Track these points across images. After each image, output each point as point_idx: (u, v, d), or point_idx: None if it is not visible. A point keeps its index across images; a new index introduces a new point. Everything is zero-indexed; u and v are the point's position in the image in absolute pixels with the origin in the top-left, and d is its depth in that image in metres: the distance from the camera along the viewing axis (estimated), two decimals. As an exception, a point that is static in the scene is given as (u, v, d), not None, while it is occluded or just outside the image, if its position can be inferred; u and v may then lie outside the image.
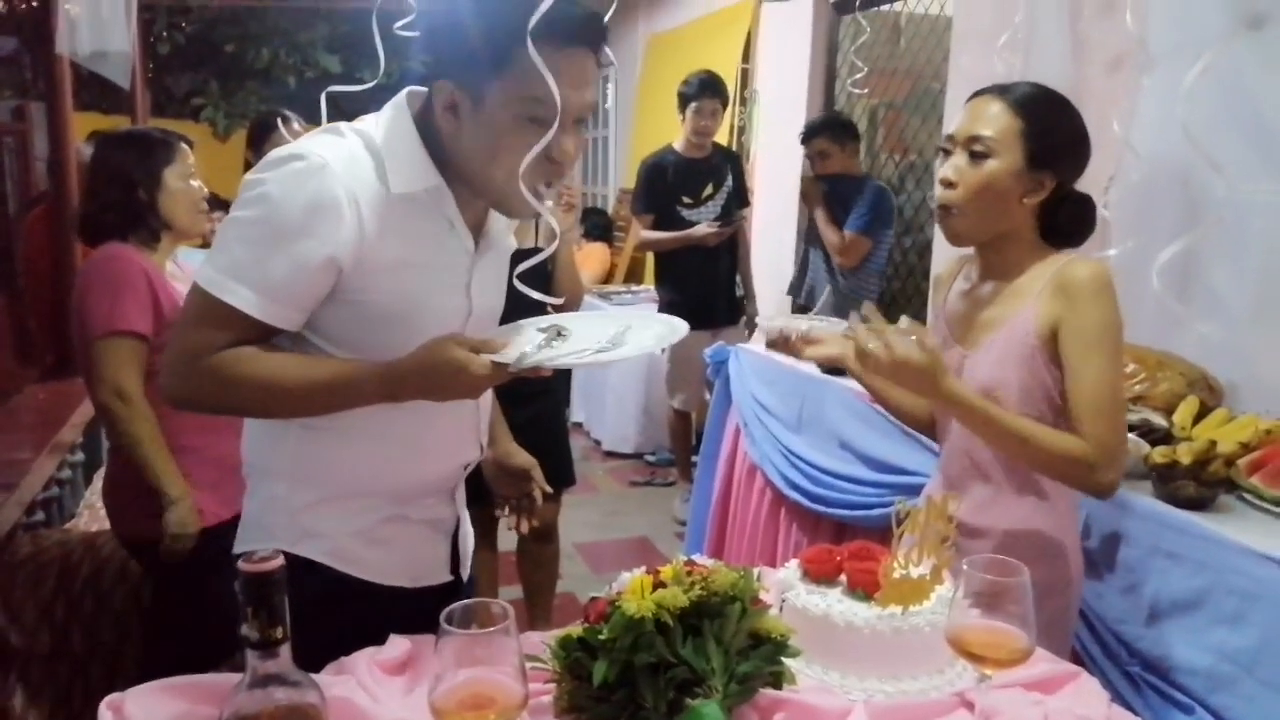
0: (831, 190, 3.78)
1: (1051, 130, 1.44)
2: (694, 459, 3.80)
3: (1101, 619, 1.73)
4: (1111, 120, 2.38)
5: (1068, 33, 2.68)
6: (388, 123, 1.22)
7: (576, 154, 1.22)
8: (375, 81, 1.27)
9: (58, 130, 3.14)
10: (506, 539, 2.89)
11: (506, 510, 1.51)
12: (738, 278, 4.24)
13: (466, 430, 1.36)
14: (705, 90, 3.94)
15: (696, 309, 3.94)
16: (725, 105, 4.09)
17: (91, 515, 2.75)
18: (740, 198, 4.18)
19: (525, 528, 1.51)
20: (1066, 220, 1.49)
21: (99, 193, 2.10)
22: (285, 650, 0.74)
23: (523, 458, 1.51)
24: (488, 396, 1.41)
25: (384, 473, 1.29)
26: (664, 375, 4.38)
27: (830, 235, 3.73)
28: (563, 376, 3.27)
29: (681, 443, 4.38)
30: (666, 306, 4.17)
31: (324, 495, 1.27)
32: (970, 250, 1.55)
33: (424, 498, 1.35)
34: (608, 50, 1.91)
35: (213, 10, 7.59)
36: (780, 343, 1.63)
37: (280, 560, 0.71)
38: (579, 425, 5.48)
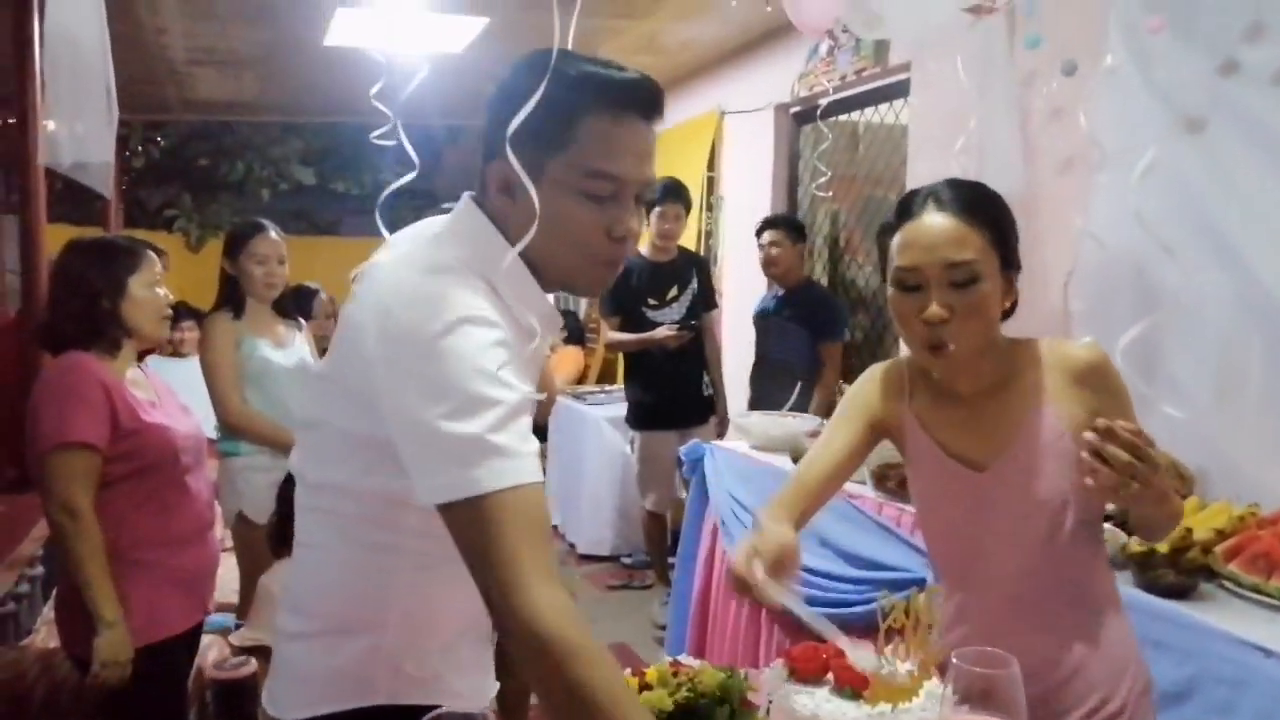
0: (790, 300, 3.98)
1: (1007, 228, 1.34)
2: (670, 560, 3.76)
3: (1091, 713, 1.70)
4: (1068, 217, 2.48)
5: (1019, 137, 2.80)
6: (484, 249, 1.10)
7: (638, 230, 1.13)
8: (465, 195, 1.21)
9: (31, 242, 3.15)
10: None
11: None
12: (706, 377, 4.27)
13: None
14: (668, 195, 4.05)
15: (664, 409, 4.12)
16: (688, 210, 4.19)
17: (49, 631, 2.65)
18: (706, 299, 4.25)
19: None
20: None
21: (62, 301, 2.07)
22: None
23: None
24: None
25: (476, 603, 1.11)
26: (635, 476, 4.35)
27: (828, 395, 3.77)
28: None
29: (657, 545, 4.33)
30: (635, 406, 4.23)
31: (431, 640, 1.16)
32: (899, 358, 1.47)
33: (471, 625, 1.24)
34: None
35: (186, 126, 7.74)
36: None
37: (253, 667, 0.68)
38: (554, 528, 5.41)
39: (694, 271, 4.22)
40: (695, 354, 4.17)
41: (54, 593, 2.46)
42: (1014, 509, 1.32)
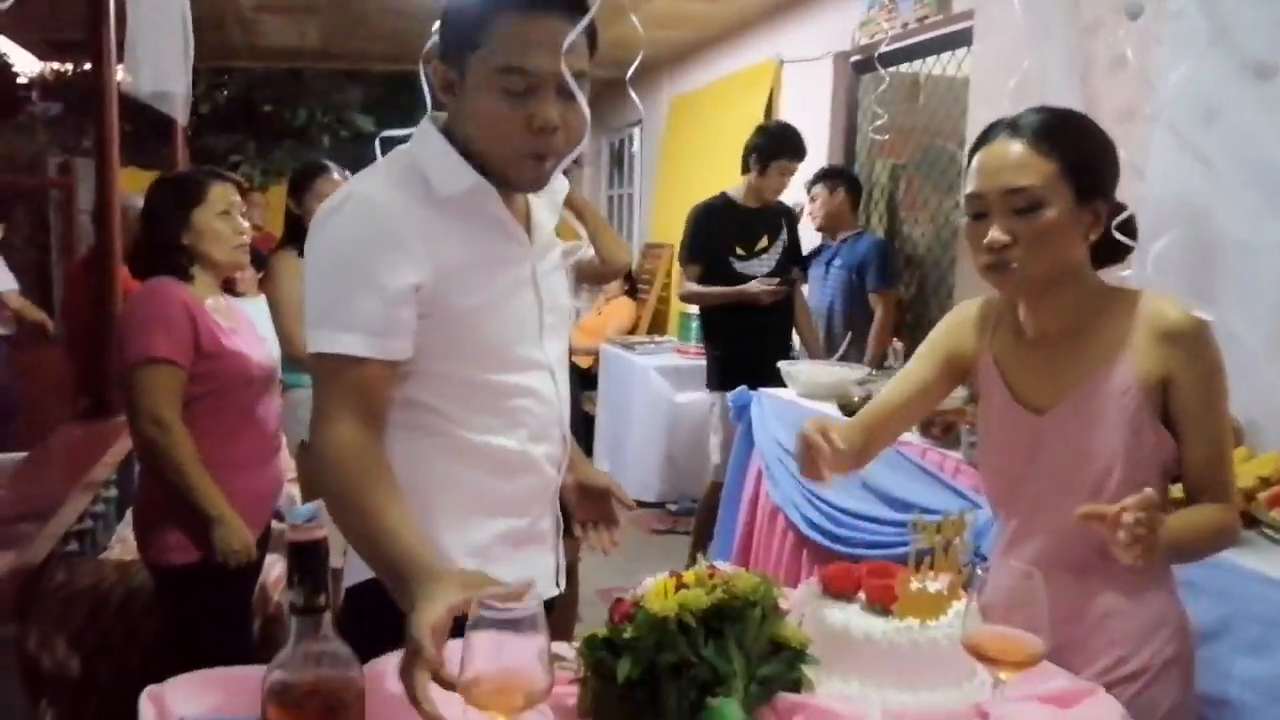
0: (839, 249, 3.93)
1: (1086, 157, 1.30)
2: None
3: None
4: (1129, 165, 2.43)
5: (1079, 86, 2.75)
6: (418, 139, 1.29)
7: (560, 121, 1.19)
8: (426, 116, 1.32)
9: (105, 183, 3.27)
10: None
11: (587, 532, 1.53)
12: (795, 339, 4.04)
13: (553, 432, 1.37)
14: (796, 154, 3.73)
15: (747, 370, 3.57)
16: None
17: (124, 548, 2.80)
18: (796, 253, 3.95)
19: (609, 547, 1.53)
20: (1108, 240, 1.36)
21: (142, 232, 2.23)
22: (327, 620, 0.77)
23: (602, 477, 1.53)
24: (565, 392, 1.40)
25: (486, 482, 1.30)
26: (691, 428, 4.21)
27: (881, 345, 3.74)
28: (582, 423, 3.26)
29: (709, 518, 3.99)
30: (716, 364, 3.88)
31: (440, 515, 1.27)
32: (993, 296, 1.45)
33: (530, 505, 1.36)
34: (635, 98, 1.97)
35: (251, 73, 7.87)
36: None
37: (324, 531, 0.76)
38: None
39: (784, 222, 3.91)
40: (784, 311, 3.87)
41: (130, 510, 2.61)
42: (1064, 457, 1.33)
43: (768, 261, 3.81)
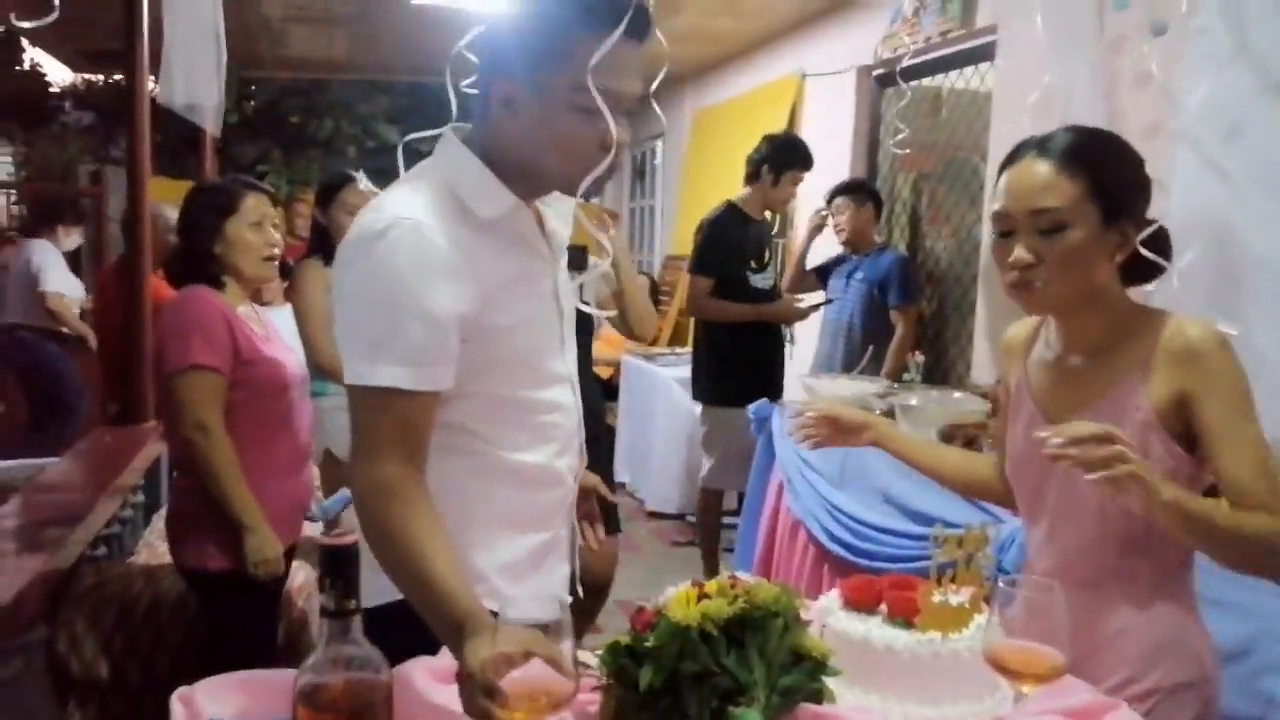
0: (861, 263, 3.92)
1: (1114, 178, 1.29)
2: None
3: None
4: (1152, 183, 2.43)
5: (1103, 103, 2.75)
6: (446, 156, 1.28)
7: (626, 142, 1.26)
8: (449, 126, 1.33)
9: (136, 191, 3.33)
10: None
11: (582, 529, 1.55)
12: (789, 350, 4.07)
13: (573, 444, 1.39)
14: (809, 163, 3.81)
15: (744, 385, 3.62)
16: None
17: (150, 553, 2.84)
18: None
19: (595, 542, 1.56)
20: (1141, 258, 1.33)
21: (178, 240, 2.26)
22: (357, 623, 0.79)
23: (590, 476, 1.54)
24: (580, 401, 1.42)
25: (523, 496, 1.32)
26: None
27: (900, 359, 3.75)
28: (607, 433, 3.26)
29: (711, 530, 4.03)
30: (709, 376, 3.88)
31: (472, 534, 1.28)
32: (1032, 319, 1.47)
33: (554, 518, 1.38)
34: (659, 111, 2.01)
35: (279, 83, 7.97)
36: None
37: (355, 536, 0.77)
38: (623, 485, 5.51)
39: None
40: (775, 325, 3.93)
41: (164, 514, 2.64)
42: (1078, 474, 1.27)
43: (772, 274, 3.88)
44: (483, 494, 1.29)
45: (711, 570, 3.79)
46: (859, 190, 3.99)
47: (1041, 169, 1.29)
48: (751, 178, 3.81)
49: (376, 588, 1.25)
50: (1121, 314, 1.34)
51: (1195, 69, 2.30)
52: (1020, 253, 1.29)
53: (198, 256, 2.20)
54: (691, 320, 6.25)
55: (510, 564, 1.32)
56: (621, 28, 1.16)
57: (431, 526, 1.16)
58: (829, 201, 3.99)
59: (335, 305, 1.23)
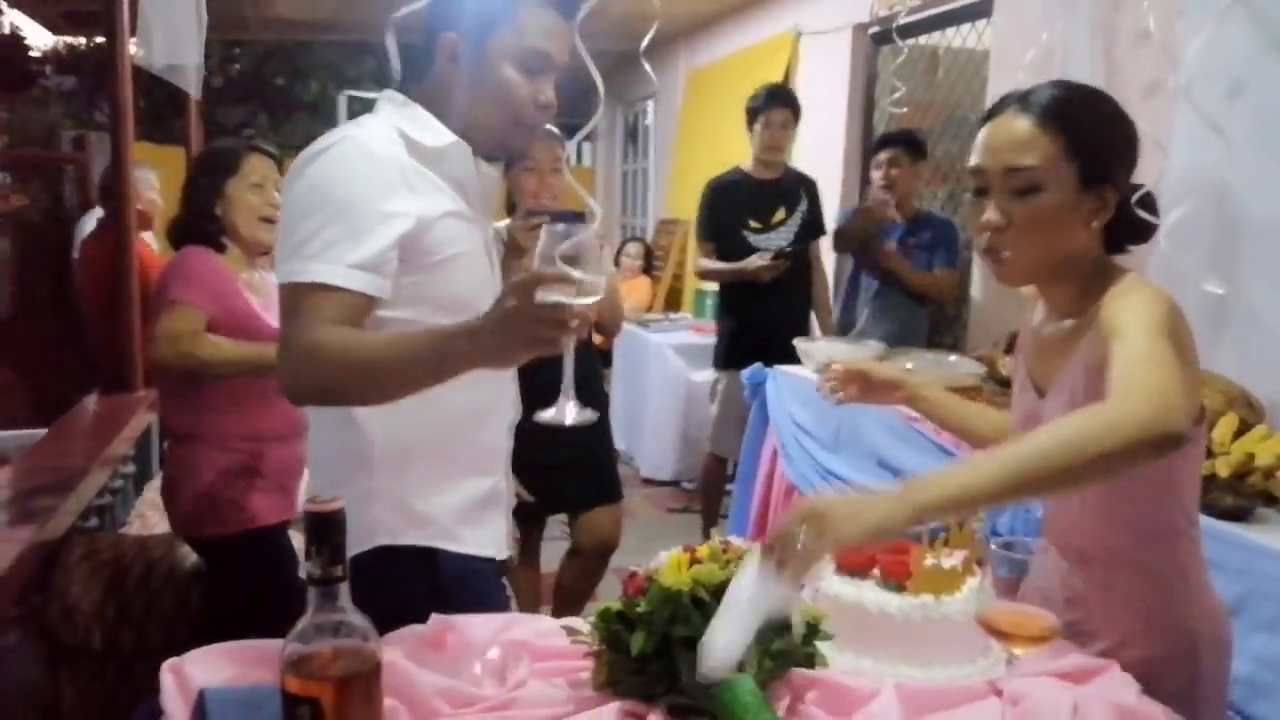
0: (913, 229, 3.59)
1: (1096, 138, 1.23)
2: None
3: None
4: (1152, 141, 2.41)
5: (1101, 60, 2.71)
6: (394, 104, 1.33)
7: (554, 106, 1.35)
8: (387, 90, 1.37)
9: (119, 157, 3.27)
10: (548, 560, 2.93)
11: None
12: (813, 313, 3.93)
13: (508, 390, 1.46)
14: (774, 100, 3.63)
15: (758, 345, 3.50)
16: (796, 117, 3.70)
17: (142, 524, 2.83)
18: (816, 225, 3.81)
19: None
20: (1128, 221, 1.28)
21: (181, 202, 2.23)
22: (344, 591, 0.78)
23: None
24: None
25: (456, 438, 1.36)
26: (707, 407, 4.07)
27: (912, 278, 3.51)
28: (603, 399, 3.23)
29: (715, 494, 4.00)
30: (727, 338, 3.82)
31: (420, 476, 1.33)
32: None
33: (494, 464, 1.43)
34: (649, 70, 2.02)
35: (264, 45, 7.85)
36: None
37: (341, 502, 0.76)
38: (618, 452, 5.51)
39: (803, 192, 3.79)
40: (801, 286, 3.78)
41: (156, 485, 2.63)
42: None
43: (785, 234, 3.73)
44: (424, 429, 1.31)
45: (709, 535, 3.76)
46: (906, 144, 3.56)
47: (1021, 124, 1.22)
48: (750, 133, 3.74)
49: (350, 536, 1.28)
50: (1095, 277, 1.26)
51: (1194, 25, 2.27)
52: (991, 214, 1.23)
53: (199, 217, 2.18)
54: (687, 286, 6.24)
55: (458, 508, 1.37)
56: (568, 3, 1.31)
57: (363, 335, 1.20)
58: (876, 151, 3.64)
59: (280, 222, 1.26)
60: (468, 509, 1.38)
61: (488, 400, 1.40)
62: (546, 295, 1.05)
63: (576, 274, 1.07)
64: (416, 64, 1.35)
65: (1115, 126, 1.25)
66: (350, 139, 1.24)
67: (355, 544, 1.25)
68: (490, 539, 1.42)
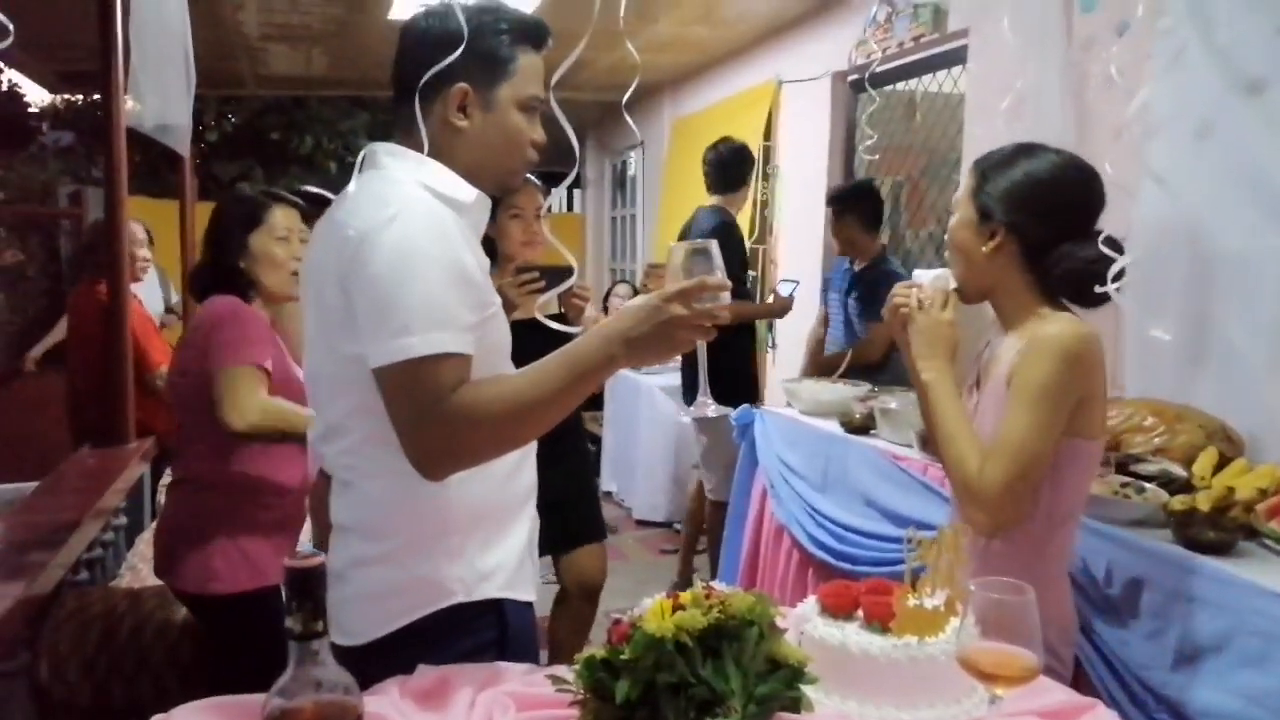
0: (859, 279, 3.80)
1: (997, 182, 1.55)
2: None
3: (1126, 665, 1.73)
4: (1123, 183, 2.46)
5: (1072, 104, 2.77)
6: (407, 162, 1.32)
7: (543, 142, 1.42)
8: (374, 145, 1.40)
9: (114, 212, 3.31)
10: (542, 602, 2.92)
11: None
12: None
13: None
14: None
15: (726, 391, 3.75)
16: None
17: (133, 576, 2.83)
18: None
19: None
20: (1060, 277, 1.53)
21: (204, 252, 2.22)
22: (325, 646, 0.79)
23: None
24: None
25: (511, 481, 1.38)
26: (692, 448, 4.20)
27: (872, 355, 3.67)
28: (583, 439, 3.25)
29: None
30: (692, 384, 3.87)
31: (487, 526, 1.34)
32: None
33: (530, 502, 1.45)
34: (630, 122, 2.08)
35: (260, 101, 7.96)
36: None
37: (322, 558, 0.77)
38: (609, 494, 5.51)
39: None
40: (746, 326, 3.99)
41: (148, 537, 2.61)
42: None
43: (750, 277, 4.13)
44: (490, 480, 1.32)
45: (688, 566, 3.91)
46: (838, 200, 3.87)
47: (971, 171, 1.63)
48: (718, 185, 3.94)
49: (379, 617, 1.29)
50: (1029, 309, 1.55)
51: (1162, 69, 2.33)
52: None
53: (223, 270, 2.15)
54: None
55: (514, 556, 1.38)
56: (549, 45, 1.38)
57: (502, 378, 1.24)
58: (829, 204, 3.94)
59: (352, 296, 1.21)
60: (519, 555, 1.39)
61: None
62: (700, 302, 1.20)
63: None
64: (405, 118, 1.34)
65: (1021, 175, 1.54)
66: (411, 201, 1.24)
67: (428, 603, 1.28)
68: (532, 583, 1.43)
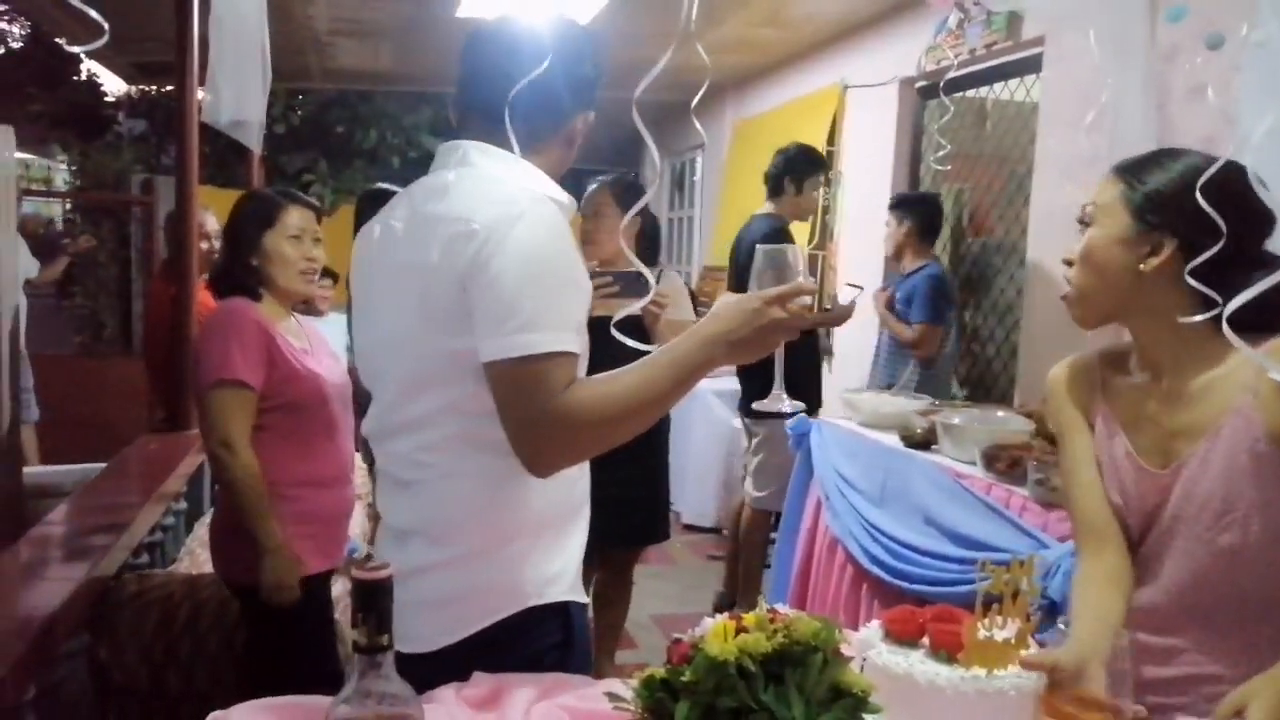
0: (903, 283, 3.83)
1: (1156, 183, 1.27)
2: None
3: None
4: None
5: (1154, 116, 2.68)
6: (501, 162, 1.33)
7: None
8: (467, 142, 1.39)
9: (184, 201, 3.38)
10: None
11: None
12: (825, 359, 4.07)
13: None
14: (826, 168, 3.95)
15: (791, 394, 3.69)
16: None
17: (192, 561, 2.88)
18: None
19: None
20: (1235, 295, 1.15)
21: (221, 251, 2.29)
22: (389, 659, 0.78)
23: None
24: None
25: (575, 483, 1.38)
26: (743, 454, 4.15)
27: (901, 331, 3.73)
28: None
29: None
30: (752, 392, 3.80)
31: (556, 528, 1.35)
32: (1076, 356, 1.45)
33: (586, 503, 1.44)
34: (698, 125, 2.11)
35: (325, 94, 8.07)
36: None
37: (390, 569, 0.76)
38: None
39: None
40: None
41: (207, 522, 2.67)
42: (1192, 512, 1.27)
43: None
44: (562, 482, 1.30)
45: (752, 591, 3.70)
46: (899, 205, 3.91)
47: (1106, 177, 1.34)
48: (775, 191, 3.88)
49: (446, 624, 1.29)
50: (1185, 338, 1.27)
51: (1259, 90, 2.23)
52: (1065, 254, 1.36)
53: (237, 268, 2.20)
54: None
55: (575, 558, 1.39)
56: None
57: (611, 377, 1.22)
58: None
59: (470, 290, 1.20)
60: (579, 558, 1.41)
61: None
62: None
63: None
64: (534, 130, 1.35)
65: (1181, 174, 1.25)
66: (535, 201, 1.26)
67: (500, 608, 1.29)
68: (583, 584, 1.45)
